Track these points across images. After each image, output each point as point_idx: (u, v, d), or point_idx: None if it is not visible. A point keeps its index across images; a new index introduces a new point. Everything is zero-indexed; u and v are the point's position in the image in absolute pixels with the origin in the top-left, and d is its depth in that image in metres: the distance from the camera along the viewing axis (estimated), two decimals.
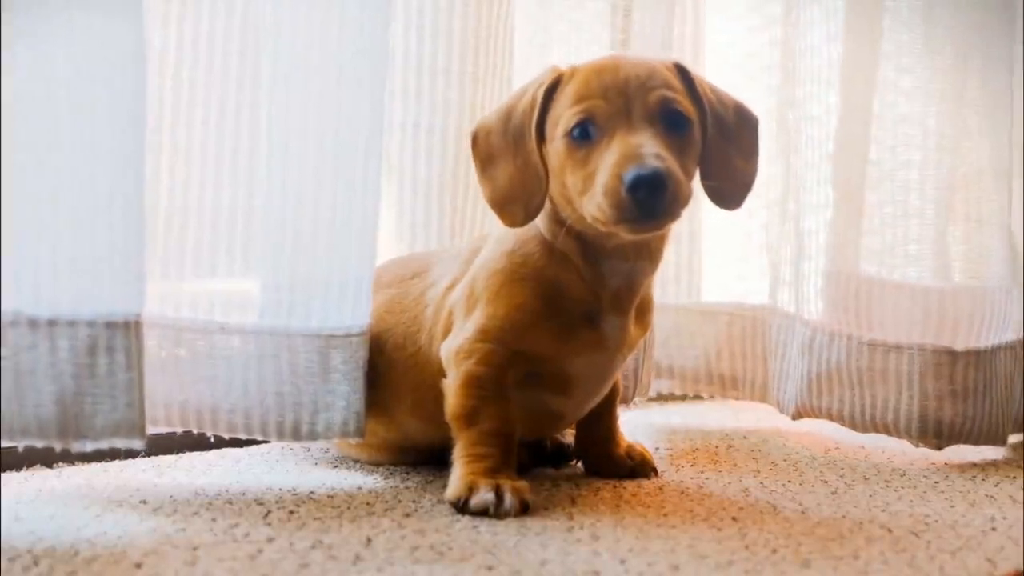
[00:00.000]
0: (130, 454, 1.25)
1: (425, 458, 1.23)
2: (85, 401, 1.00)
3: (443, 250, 1.27)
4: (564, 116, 1.07)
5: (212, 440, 1.28)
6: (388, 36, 1.17)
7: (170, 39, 1.15)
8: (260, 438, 1.18)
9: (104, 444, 1.00)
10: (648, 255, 1.13)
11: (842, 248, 1.46)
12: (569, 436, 1.31)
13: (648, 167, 0.99)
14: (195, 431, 1.17)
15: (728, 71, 1.62)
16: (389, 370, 1.19)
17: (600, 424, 1.24)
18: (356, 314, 1.16)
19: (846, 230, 1.46)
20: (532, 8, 1.49)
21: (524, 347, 1.11)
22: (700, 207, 1.61)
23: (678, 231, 1.60)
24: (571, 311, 1.11)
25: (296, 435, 1.16)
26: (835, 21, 1.46)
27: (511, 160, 1.11)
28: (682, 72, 1.11)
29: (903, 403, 1.40)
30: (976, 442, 1.41)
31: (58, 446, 0.99)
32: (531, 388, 1.13)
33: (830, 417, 1.45)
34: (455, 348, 1.12)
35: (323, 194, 1.15)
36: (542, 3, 1.51)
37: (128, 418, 1.01)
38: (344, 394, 1.16)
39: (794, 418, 1.48)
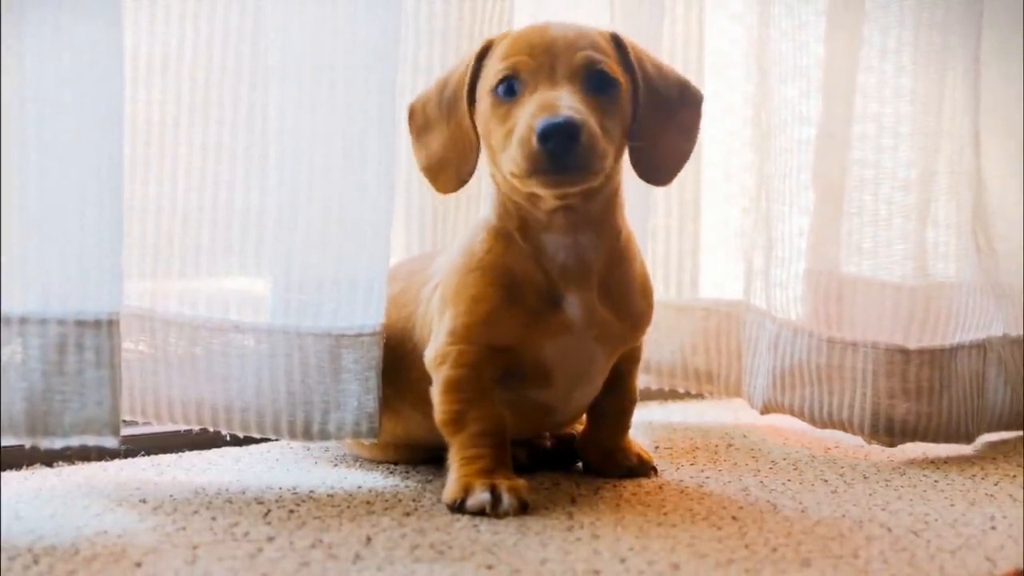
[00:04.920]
0: (130, 453, 1.26)
1: (432, 456, 1.23)
2: (54, 399, 1.00)
3: (446, 248, 1.28)
4: (489, 75, 1.08)
5: (212, 439, 1.28)
6: (399, 34, 1.18)
7: (186, 39, 1.15)
8: (273, 437, 1.18)
9: (74, 442, 1.01)
10: (591, 227, 1.11)
11: (814, 247, 1.47)
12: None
13: (560, 116, 1.00)
14: (211, 429, 1.17)
15: (728, 69, 1.62)
16: (394, 364, 1.19)
17: (606, 425, 1.24)
18: (368, 314, 1.16)
19: (820, 229, 1.46)
20: (528, 7, 1.49)
21: (493, 340, 1.11)
22: (696, 204, 1.61)
23: (669, 226, 1.60)
24: (528, 294, 1.11)
25: (308, 435, 1.16)
26: (815, 24, 1.46)
27: (444, 127, 1.13)
28: (616, 41, 1.12)
29: (857, 400, 1.41)
30: (935, 440, 1.41)
31: (27, 443, 0.99)
32: (513, 385, 1.13)
33: (792, 413, 1.46)
34: (432, 355, 1.13)
35: (333, 193, 1.15)
36: (538, 2, 1.51)
37: (98, 416, 1.01)
38: (355, 394, 1.16)
39: (762, 413, 1.50)
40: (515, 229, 1.12)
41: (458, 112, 1.12)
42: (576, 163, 1.01)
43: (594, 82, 1.06)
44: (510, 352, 1.12)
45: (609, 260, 1.14)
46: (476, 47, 1.13)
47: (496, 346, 1.11)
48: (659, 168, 1.15)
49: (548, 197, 1.08)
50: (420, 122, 1.16)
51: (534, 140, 1.00)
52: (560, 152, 1.00)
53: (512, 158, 1.03)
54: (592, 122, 1.02)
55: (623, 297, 1.15)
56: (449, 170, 1.13)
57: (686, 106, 1.16)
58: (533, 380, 1.14)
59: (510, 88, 1.07)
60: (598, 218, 1.12)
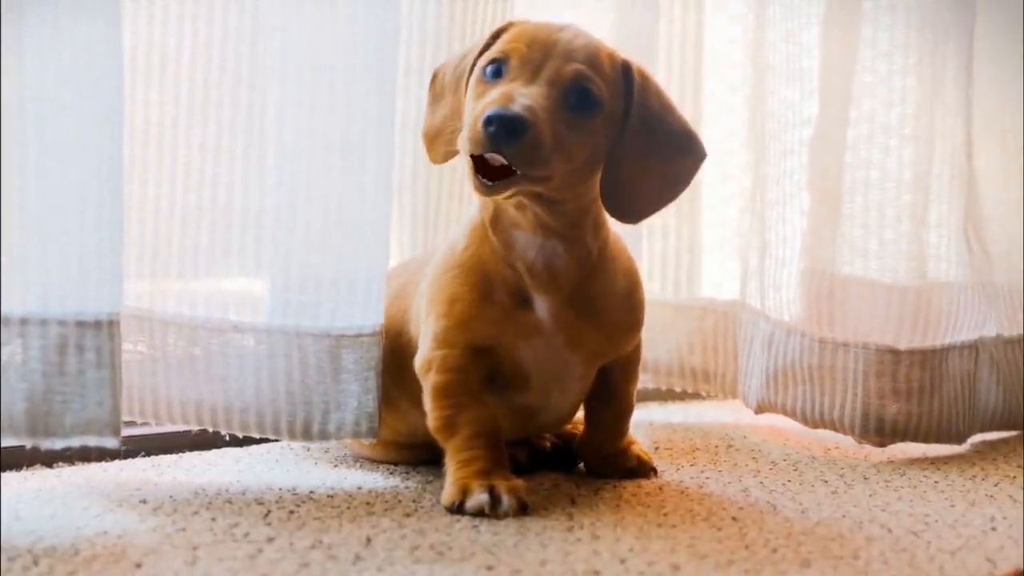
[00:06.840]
0: (130, 453, 1.25)
1: (433, 457, 1.22)
2: (55, 399, 0.99)
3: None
4: (488, 54, 1.08)
5: (212, 439, 1.27)
6: (398, 34, 1.18)
7: (185, 40, 1.15)
8: (272, 437, 1.18)
9: (75, 442, 1.00)
10: (558, 235, 1.10)
11: (810, 247, 1.47)
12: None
13: (511, 110, 0.99)
14: (210, 429, 1.17)
15: (727, 70, 1.62)
16: (395, 357, 1.19)
17: (603, 430, 1.23)
18: (367, 314, 1.16)
19: (816, 229, 1.47)
20: (525, 7, 1.49)
21: (472, 340, 1.11)
22: (694, 204, 1.61)
23: (666, 225, 1.61)
24: (500, 291, 1.11)
25: (307, 435, 1.17)
26: (812, 26, 1.46)
27: (451, 98, 1.13)
28: (625, 70, 1.10)
29: (848, 400, 1.42)
30: (925, 440, 1.42)
31: (28, 444, 0.99)
32: (496, 390, 1.13)
33: (785, 412, 1.47)
34: (420, 361, 1.13)
35: (332, 193, 1.15)
36: (536, 3, 1.51)
37: (98, 416, 1.01)
38: (355, 394, 1.16)
39: (756, 412, 1.50)
40: (488, 221, 1.11)
41: (461, 85, 1.12)
42: (510, 156, 1.00)
43: (574, 97, 1.04)
44: (490, 353, 1.12)
45: (582, 272, 1.12)
46: (497, 26, 1.13)
47: (476, 347, 1.11)
48: (628, 204, 1.11)
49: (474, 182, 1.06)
50: (437, 89, 1.16)
51: (479, 123, 1.00)
52: (498, 142, 0.99)
53: (463, 136, 1.03)
54: (545, 128, 1.00)
55: (602, 308, 1.14)
56: (441, 140, 1.14)
57: (682, 156, 1.13)
58: (513, 382, 1.14)
59: (497, 70, 1.06)
60: (564, 232, 1.10)
